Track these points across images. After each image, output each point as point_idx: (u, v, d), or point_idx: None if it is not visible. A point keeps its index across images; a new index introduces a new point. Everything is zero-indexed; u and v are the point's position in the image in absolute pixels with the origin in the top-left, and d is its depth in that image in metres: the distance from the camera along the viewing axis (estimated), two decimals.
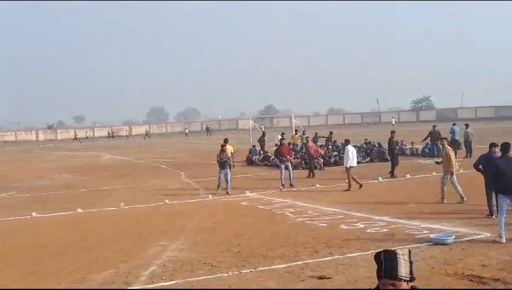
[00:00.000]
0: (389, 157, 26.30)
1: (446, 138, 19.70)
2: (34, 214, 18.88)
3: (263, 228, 14.88)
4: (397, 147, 26.95)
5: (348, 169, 21.29)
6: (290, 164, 23.05)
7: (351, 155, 21.56)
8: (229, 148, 24.15)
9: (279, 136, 35.68)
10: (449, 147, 18.41)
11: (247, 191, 21.76)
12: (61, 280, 10.93)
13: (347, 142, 22.83)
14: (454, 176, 17.43)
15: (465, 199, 17.12)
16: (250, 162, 33.40)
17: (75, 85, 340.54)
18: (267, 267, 10.98)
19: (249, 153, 34.49)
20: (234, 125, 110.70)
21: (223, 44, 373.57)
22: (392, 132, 26.05)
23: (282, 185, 22.32)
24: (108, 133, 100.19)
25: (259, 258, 11.74)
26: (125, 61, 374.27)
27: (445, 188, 17.44)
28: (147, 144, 70.05)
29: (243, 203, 19.48)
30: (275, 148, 33.11)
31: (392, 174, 24.13)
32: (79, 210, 19.30)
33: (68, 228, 16.60)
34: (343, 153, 27.46)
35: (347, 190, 20.95)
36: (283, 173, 22.66)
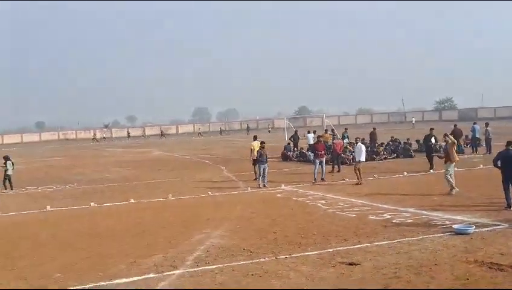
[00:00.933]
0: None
1: (447, 134, 19.59)
2: (92, 204, 19.19)
3: (297, 218, 14.85)
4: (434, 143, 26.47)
5: (357, 163, 21.60)
6: (323, 160, 22.95)
7: (362, 152, 21.94)
8: (257, 145, 24.27)
9: (312, 135, 35.82)
10: (451, 141, 18.46)
11: (283, 185, 21.73)
12: (117, 262, 11.08)
13: (358, 139, 23.28)
14: (452, 167, 17.82)
15: (453, 192, 17.43)
16: (285, 158, 33.37)
17: (129, 86, 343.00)
18: (300, 254, 10.95)
19: (284, 149, 34.44)
20: (270, 124, 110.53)
21: (260, 52, 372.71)
22: (431, 129, 26.26)
23: (315, 179, 22.24)
24: (162, 132, 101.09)
25: (294, 245, 11.73)
26: (172, 64, 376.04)
27: (451, 179, 17.70)
28: (192, 141, 70.38)
29: (278, 195, 19.46)
30: (310, 144, 33.39)
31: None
32: (132, 201, 19.56)
33: (122, 217, 16.85)
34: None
35: (357, 184, 21.03)
36: (317, 167, 22.58)
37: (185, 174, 28.50)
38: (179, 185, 23.66)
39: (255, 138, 25.92)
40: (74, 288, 9.47)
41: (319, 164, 22.75)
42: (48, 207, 18.94)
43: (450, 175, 17.81)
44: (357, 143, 22.76)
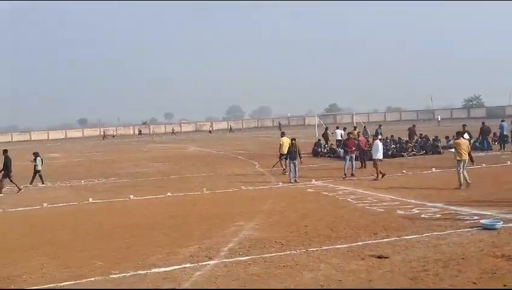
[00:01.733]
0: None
1: (459, 132, 19.91)
2: (131, 196, 19.42)
3: (327, 212, 14.77)
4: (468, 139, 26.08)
5: (376, 160, 21.47)
6: (353, 156, 22.79)
7: (379, 149, 21.82)
8: (286, 141, 24.36)
9: (340, 131, 35.65)
10: (459, 141, 18.58)
11: (313, 180, 21.64)
12: (155, 252, 11.18)
13: (376, 136, 23.37)
14: (461, 164, 17.88)
15: (462, 187, 17.61)
16: (315, 153, 33.18)
17: (166, 85, 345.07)
18: (331, 247, 10.88)
19: (315, 146, 34.27)
20: (302, 122, 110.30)
21: (294, 52, 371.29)
22: (464, 126, 26.32)
23: (345, 174, 22.09)
24: (209, 130, 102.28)
25: (324, 238, 11.67)
26: (208, 63, 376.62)
27: (461, 175, 17.86)
28: (226, 138, 70.61)
29: (309, 190, 19.38)
30: (341, 141, 33.20)
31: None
32: (168, 194, 19.73)
33: (160, 209, 16.98)
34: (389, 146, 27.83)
35: (376, 179, 20.99)
36: (347, 163, 22.44)
37: (218, 169, 28.63)
38: (213, 180, 23.76)
39: (282, 134, 26.01)
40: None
41: (349, 159, 22.61)
42: (90, 199, 19.26)
43: (458, 172, 17.87)
44: (374, 141, 22.65)
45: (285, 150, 24.36)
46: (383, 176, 21.13)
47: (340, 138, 34.33)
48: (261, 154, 37.34)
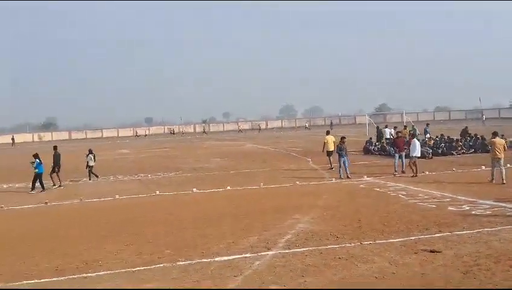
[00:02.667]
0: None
1: (495, 132, 19.51)
2: (194, 189, 19.73)
3: (379, 207, 14.55)
4: None
5: (413, 158, 21.16)
6: (403, 154, 22.37)
7: (417, 147, 21.47)
8: (331, 139, 24.48)
9: (391, 130, 35.00)
10: (494, 140, 18.74)
11: (365, 176, 21.36)
12: (218, 242, 11.33)
13: (413, 136, 22.93)
14: (500, 162, 18.25)
15: (504, 181, 17.78)
16: (367, 151, 32.75)
17: (225, 85, 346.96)
18: (384, 241, 10.73)
19: (366, 144, 33.84)
20: (352, 121, 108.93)
21: (345, 53, 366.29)
22: None
23: (396, 171, 21.71)
24: (259, 126, 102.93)
25: (377, 232, 11.51)
26: (261, 64, 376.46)
27: (494, 171, 18.34)
28: (280, 136, 70.51)
29: (361, 186, 19.15)
30: (386, 138, 32.71)
31: None
32: (228, 187, 19.93)
33: (220, 202, 17.19)
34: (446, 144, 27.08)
35: (414, 176, 20.62)
36: (397, 161, 22.05)
37: (274, 165, 28.65)
38: (270, 175, 23.80)
39: (327, 133, 26.61)
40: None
41: (399, 157, 22.21)
42: (157, 192, 19.68)
43: (496, 168, 18.29)
44: (411, 139, 22.33)
45: (330, 148, 24.61)
46: (416, 175, 20.85)
47: (388, 136, 33.74)
48: (313, 151, 37.07)
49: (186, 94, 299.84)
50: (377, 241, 10.67)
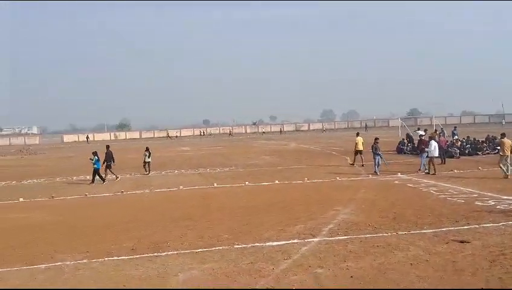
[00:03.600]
0: None
1: (503, 133, 20.17)
2: (246, 183, 19.85)
3: (412, 202, 14.22)
4: None
5: (431, 159, 20.78)
6: (424, 154, 21.75)
7: (434, 148, 21.02)
8: (360, 140, 24.46)
9: (421, 132, 34.13)
10: (503, 140, 19.19)
11: (399, 173, 20.91)
12: (268, 229, 11.37)
13: (431, 138, 22.37)
14: (507, 159, 18.65)
15: (509, 176, 18.23)
16: (399, 151, 32.08)
17: (273, 90, 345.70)
18: (417, 231, 10.50)
19: (399, 144, 33.15)
20: (386, 124, 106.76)
21: (375, 62, 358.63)
22: None
23: (425, 168, 21.17)
24: (296, 128, 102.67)
25: (411, 224, 11.27)
26: (307, 71, 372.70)
27: (503, 167, 18.57)
28: (321, 136, 69.94)
29: (395, 182, 18.75)
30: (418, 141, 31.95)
31: None
32: (276, 182, 19.93)
33: (270, 194, 17.17)
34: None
35: (433, 174, 20.10)
36: (424, 159, 21.53)
37: (316, 162, 28.46)
38: (312, 171, 23.65)
39: (357, 134, 26.84)
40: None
41: (427, 156, 21.65)
42: (215, 184, 19.91)
43: (504, 165, 18.62)
44: (429, 141, 21.80)
45: (359, 147, 25.01)
46: (434, 173, 20.36)
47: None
48: (351, 150, 36.49)
49: (238, 99, 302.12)
50: (411, 232, 10.45)
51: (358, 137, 25.88)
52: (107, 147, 24.76)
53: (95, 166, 22.49)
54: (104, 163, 23.19)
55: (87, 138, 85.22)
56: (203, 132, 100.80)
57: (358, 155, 25.12)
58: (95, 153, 22.82)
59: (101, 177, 22.50)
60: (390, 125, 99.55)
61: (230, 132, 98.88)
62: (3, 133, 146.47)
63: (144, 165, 25.91)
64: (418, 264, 8.24)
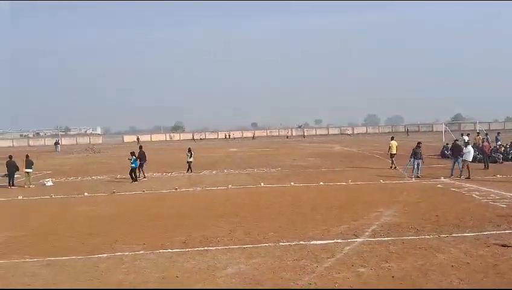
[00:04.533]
0: None
1: None
2: (292, 183, 19.86)
3: (455, 205, 13.79)
4: None
5: (466, 162, 20.28)
6: (460, 159, 20.96)
7: (468, 152, 20.59)
8: (394, 144, 24.14)
9: (466, 138, 32.95)
10: None
11: (442, 177, 20.30)
12: (313, 228, 11.36)
13: (467, 143, 22.08)
14: None
15: None
16: (443, 155, 31.07)
17: (316, 92, 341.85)
18: (459, 234, 10.20)
19: (443, 149, 32.15)
20: (430, 129, 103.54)
21: (424, 67, 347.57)
22: None
23: (466, 173, 20.38)
24: (347, 132, 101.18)
25: (453, 227, 10.96)
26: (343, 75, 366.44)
27: None
28: (365, 140, 68.67)
29: (438, 185, 18.21)
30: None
31: None
32: (321, 183, 19.82)
33: (314, 194, 17.06)
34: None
35: (467, 178, 19.58)
36: (460, 164, 20.85)
37: (360, 164, 28.04)
38: (356, 173, 23.31)
39: (392, 138, 26.97)
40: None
41: (456, 161, 21.19)
42: (262, 183, 20.04)
43: None
44: (466, 147, 21.26)
45: (393, 151, 25.32)
46: (469, 177, 19.80)
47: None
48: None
49: (284, 103, 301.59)
50: (453, 235, 10.17)
51: (393, 141, 25.94)
52: (140, 147, 25.48)
53: (133, 165, 23.16)
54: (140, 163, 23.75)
55: (138, 139, 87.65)
56: (228, 135, 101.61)
57: (393, 158, 24.86)
58: (132, 153, 23.52)
59: (133, 176, 23.00)
60: (434, 130, 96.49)
61: (253, 135, 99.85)
62: (70, 133, 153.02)
63: (189, 165, 26.45)
64: (459, 266, 8.03)
